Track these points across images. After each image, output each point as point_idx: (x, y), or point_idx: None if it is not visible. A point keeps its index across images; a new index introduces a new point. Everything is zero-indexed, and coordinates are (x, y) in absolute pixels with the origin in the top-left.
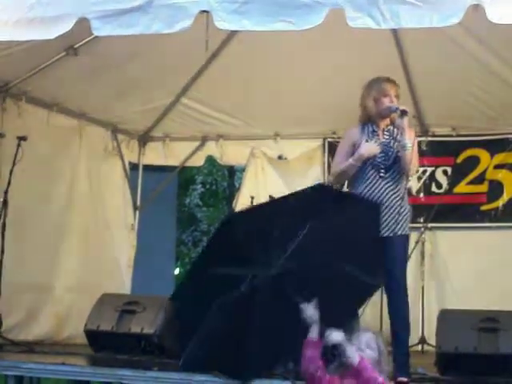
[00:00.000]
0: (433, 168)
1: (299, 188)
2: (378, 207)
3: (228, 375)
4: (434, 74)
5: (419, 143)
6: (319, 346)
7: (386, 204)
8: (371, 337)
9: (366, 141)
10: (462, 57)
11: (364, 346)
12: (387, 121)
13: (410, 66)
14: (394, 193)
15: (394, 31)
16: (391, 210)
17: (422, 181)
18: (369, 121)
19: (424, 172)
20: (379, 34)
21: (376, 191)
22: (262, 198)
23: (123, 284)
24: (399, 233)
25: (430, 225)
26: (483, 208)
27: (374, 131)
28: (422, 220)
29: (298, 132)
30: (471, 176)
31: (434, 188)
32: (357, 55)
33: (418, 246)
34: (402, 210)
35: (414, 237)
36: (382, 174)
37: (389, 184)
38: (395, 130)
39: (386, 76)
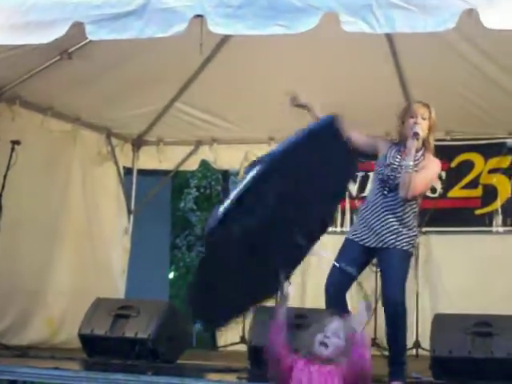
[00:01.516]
0: None
1: None
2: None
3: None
4: (428, 79)
5: None
6: (284, 330)
7: (380, 221)
8: (338, 325)
9: (386, 157)
10: (457, 61)
11: (331, 334)
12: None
13: (404, 71)
14: (392, 213)
15: (389, 36)
16: (382, 228)
17: None
18: (400, 142)
19: None
20: (374, 39)
21: (375, 206)
22: None
23: (117, 288)
24: (385, 246)
25: (424, 229)
26: (477, 212)
27: (398, 151)
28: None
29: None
30: (465, 180)
31: (428, 192)
32: (352, 60)
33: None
34: (396, 229)
35: None
36: (385, 192)
37: (388, 204)
38: (422, 157)
39: (420, 100)
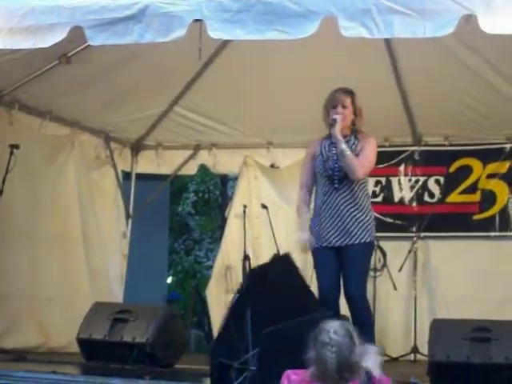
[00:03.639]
0: (425, 177)
1: (291, 196)
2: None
3: None
4: (427, 83)
5: (412, 153)
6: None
7: (341, 215)
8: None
9: (321, 155)
10: (455, 66)
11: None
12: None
13: (403, 76)
14: (350, 203)
15: (387, 40)
16: (347, 221)
17: (415, 190)
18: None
19: (417, 181)
20: (372, 43)
21: (331, 203)
22: (255, 207)
23: (112, 293)
24: (356, 242)
25: (422, 234)
26: (475, 217)
27: (331, 143)
28: (414, 229)
29: (290, 141)
30: (464, 185)
31: (426, 197)
32: (350, 65)
33: (410, 256)
34: (359, 219)
35: (406, 246)
36: (336, 186)
37: (343, 195)
38: (356, 141)
39: (341, 86)
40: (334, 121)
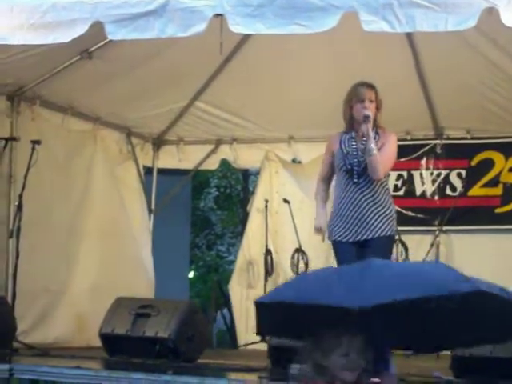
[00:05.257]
0: (447, 171)
1: (313, 191)
2: None
3: None
4: (449, 77)
5: (434, 146)
6: None
7: (361, 209)
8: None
9: (341, 149)
10: (477, 59)
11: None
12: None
13: (424, 69)
14: (369, 197)
15: (409, 34)
16: (366, 214)
17: (437, 184)
18: (352, 128)
19: (438, 175)
20: (393, 37)
21: (350, 197)
22: (276, 202)
23: (149, 284)
24: (376, 235)
25: (444, 228)
26: (497, 211)
27: (351, 138)
28: (436, 223)
29: (312, 135)
30: (486, 179)
31: (448, 191)
32: (371, 58)
33: (432, 249)
34: (379, 212)
35: (428, 240)
36: (355, 180)
37: (363, 189)
38: (377, 135)
39: (364, 81)
40: (367, 117)
